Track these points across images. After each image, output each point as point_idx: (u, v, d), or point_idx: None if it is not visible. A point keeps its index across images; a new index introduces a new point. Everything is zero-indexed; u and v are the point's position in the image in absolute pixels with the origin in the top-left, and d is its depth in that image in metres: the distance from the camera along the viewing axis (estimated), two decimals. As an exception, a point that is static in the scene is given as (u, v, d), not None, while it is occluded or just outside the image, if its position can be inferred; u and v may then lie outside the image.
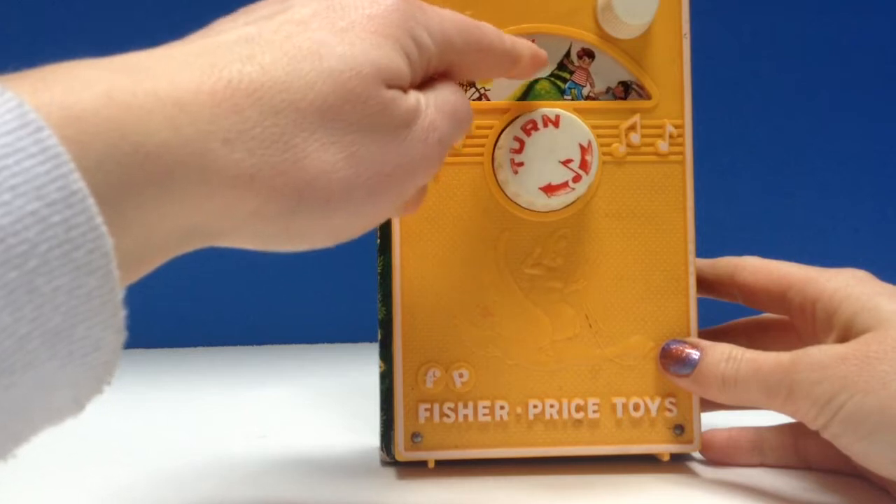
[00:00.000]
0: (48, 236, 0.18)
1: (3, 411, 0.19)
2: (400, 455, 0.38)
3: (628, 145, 0.39)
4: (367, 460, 0.41)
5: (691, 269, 0.39)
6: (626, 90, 0.39)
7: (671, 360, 0.38)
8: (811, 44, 0.72)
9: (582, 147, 0.38)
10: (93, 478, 0.39)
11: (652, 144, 0.39)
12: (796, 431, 0.40)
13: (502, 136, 0.38)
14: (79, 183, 0.19)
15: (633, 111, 0.39)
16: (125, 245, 0.21)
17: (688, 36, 0.40)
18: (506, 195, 0.39)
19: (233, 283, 0.62)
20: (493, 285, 0.39)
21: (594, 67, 0.39)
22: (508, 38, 0.33)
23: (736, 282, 0.41)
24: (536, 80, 0.39)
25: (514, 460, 0.39)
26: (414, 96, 0.29)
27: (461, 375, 0.38)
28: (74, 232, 0.19)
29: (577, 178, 0.38)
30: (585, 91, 0.39)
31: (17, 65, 0.21)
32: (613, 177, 0.39)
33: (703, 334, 0.43)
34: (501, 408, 0.39)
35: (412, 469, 0.39)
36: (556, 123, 0.38)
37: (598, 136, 0.39)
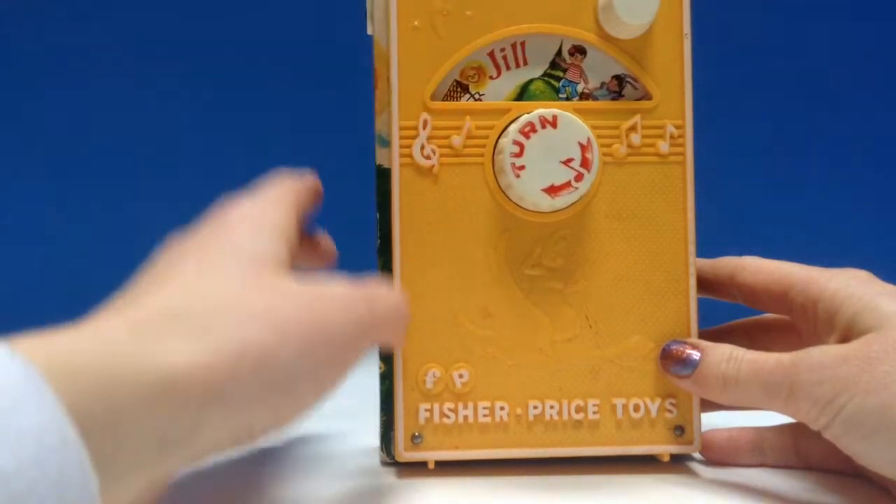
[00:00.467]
0: (44, 477, 0.20)
1: None
2: (400, 456, 0.38)
3: (629, 146, 0.39)
4: (367, 460, 0.41)
5: (692, 270, 0.39)
6: (620, 83, 0.39)
7: (672, 361, 0.38)
8: (814, 43, 0.72)
9: (581, 145, 0.38)
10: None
11: (653, 145, 0.39)
12: (796, 431, 0.39)
13: (501, 140, 0.38)
14: (72, 432, 0.21)
15: (634, 111, 0.39)
16: (108, 477, 0.23)
17: (689, 36, 0.39)
18: (507, 197, 0.38)
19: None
20: (493, 286, 0.39)
21: (587, 63, 0.39)
22: None
23: (736, 282, 0.41)
24: (530, 81, 0.39)
25: (514, 461, 0.39)
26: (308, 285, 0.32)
27: (461, 376, 0.38)
28: (67, 473, 0.21)
29: (579, 177, 0.38)
30: (580, 88, 0.39)
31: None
32: (614, 177, 0.39)
33: (704, 334, 0.43)
34: (501, 408, 0.38)
35: (412, 469, 0.39)
36: (553, 124, 0.38)
37: (599, 136, 0.39)
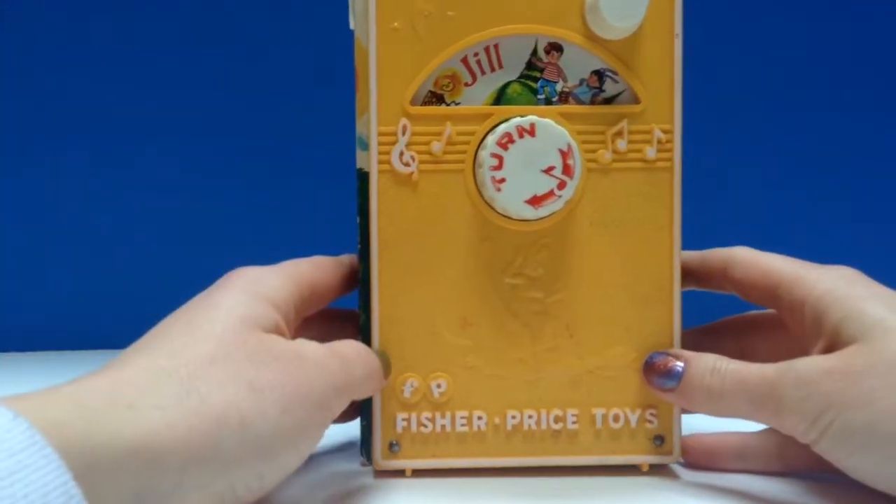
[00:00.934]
0: None
1: None
2: (377, 464, 0.38)
3: (614, 151, 0.38)
4: (348, 462, 0.41)
5: (676, 279, 0.38)
6: (600, 79, 0.38)
7: (656, 374, 0.38)
8: (808, 46, 0.70)
9: (562, 152, 0.37)
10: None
11: (639, 150, 0.38)
12: (780, 437, 0.39)
13: (480, 153, 0.37)
14: (75, 489, 0.23)
15: (621, 116, 0.38)
16: None
17: (680, 36, 0.38)
18: (490, 207, 0.38)
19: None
20: (473, 295, 0.38)
21: (564, 61, 0.38)
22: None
23: (728, 277, 0.40)
24: (507, 84, 0.38)
25: (492, 468, 0.39)
26: (298, 341, 0.34)
27: (439, 386, 0.38)
28: None
29: (562, 185, 0.37)
30: (559, 87, 0.38)
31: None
32: (599, 185, 0.38)
33: (691, 333, 0.42)
34: (479, 418, 0.38)
35: (390, 472, 0.39)
36: (531, 132, 0.37)
37: (584, 141, 0.38)
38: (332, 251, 0.40)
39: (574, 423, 0.38)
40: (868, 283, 0.36)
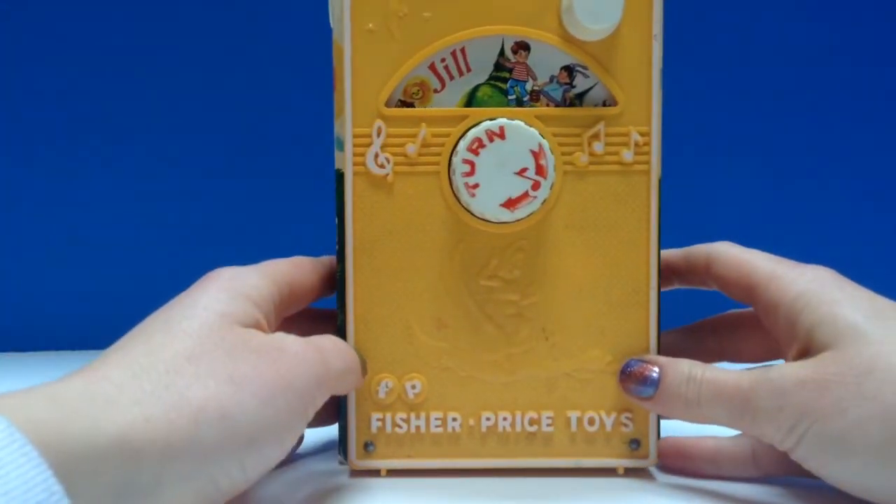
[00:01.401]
0: None
1: None
2: (353, 464, 0.39)
3: (591, 154, 0.38)
4: (326, 461, 0.41)
5: (653, 283, 0.38)
6: (570, 74, 0.38)
7: (633, 381, 0.37)
8: (793, 46, 0.69)
9: (533, 153, 0.37)
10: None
11: (616, 153, 0.38)
12: (755, 442, 0.39)
13: (453, 159, 0.37)
14: (57, 485, 0.23)
15: (598, 118, 0.38)
16: None
17: (659, 37, 0.37)
18: (465, 210, 0.38)
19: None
20: (448, 296, 0.38)
21: (532, 59, 0.37)
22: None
23: (710, 273, 0.40)
24: (476, 88, 0.38)
25: (468, 469, 0.39)
26: (278, 333, 0.34)
27: (413, 387, 0.38)
28: None
29: (536, 186, 0.37)
30: (529, 86, 0.38)
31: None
32: (575, 188, 0.38)
33: (674, 333, 0.42)
34: (454, 419, 0.38)
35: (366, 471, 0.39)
36: (501, 135, 0.36)
37: (560, 143, 0.37)
38: (315, 252, 0.40)
39: (549, 425, 0.38)
40: (843, 284, 0.36)
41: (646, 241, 0.38)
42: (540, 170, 0.37)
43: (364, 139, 0.38)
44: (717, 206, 0.67)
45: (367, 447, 0.38)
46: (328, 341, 0.35)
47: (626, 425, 0.39)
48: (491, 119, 0.37)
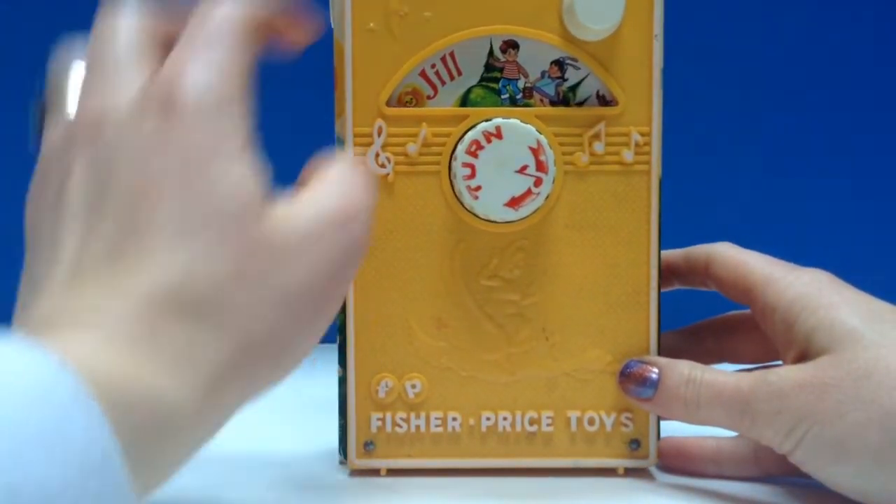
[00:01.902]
0: (86, 497, 0.19)
1: None
2: (352, 463, 0.39)
3: (591, 154, 0.38)
4: (326, 460, 0.41)
5: (653, 283, 0.38)
6: (561, 68, 0.38)
7: (632, 382, 0.37)
8: (793, 46, 0.69)
9: (532, 149, 0.37)
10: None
11: (616, 153, 0.38)
12: (755, 442, 0.39)
13: (453, 163, 0.37)
14: (115, 448, 0.21)
15: (598, 118, 0.38)
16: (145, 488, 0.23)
17: (659, 37, 0.37)
18: (468, 212, 0.38)
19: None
20: (448, 296, 0.38)
21: (522, 57, 0.37)
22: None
23: (709, 274, 0.40)
24: (469, 90, 0.37)
25: (468, 469, 0.39)
26: (302, 205, 0.28)
27: (414, 386, 0.38)
28: (106, 492, 0.20)
29: (538, 182, 0.37)
30: (521, 84, 0.37)
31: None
32: (575, 187, 0.38)
33: (673, 334, 0.42)
34: (454, 419, 0.38)
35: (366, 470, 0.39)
36: (498, 135, 0.36)
37: (561, 143, 0.37)
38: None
39: (549, 425, 0.38)
40: (840, 287, 0.36)
41: (646, 241, 0.38)
42: (540, 166, 0.37)
43: (365, 139, 0.38)
44: (717, 206, 0.67)
45: (367, 446, 0.38)
46: (350, 207, 0.29)
47: (626, 425, 0.39)
48: (486, 120, 0.37)
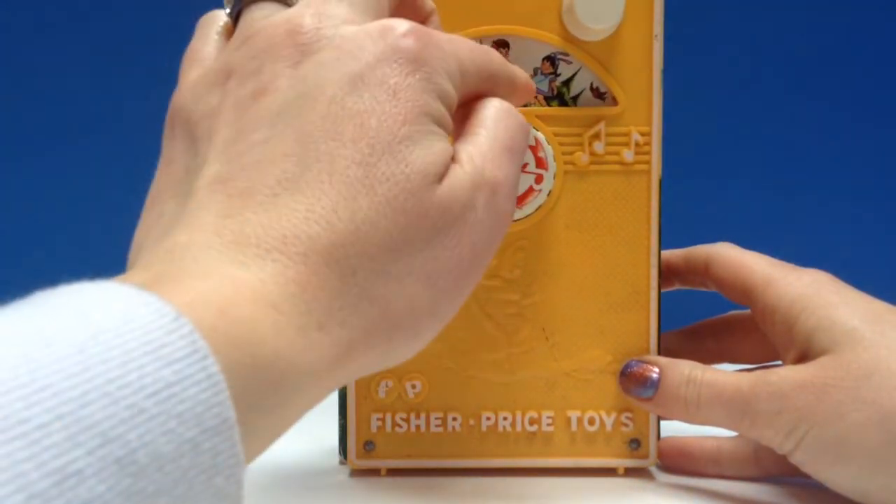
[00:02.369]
0: (198, 462, 0.18)
1: None
2: (352, 463, 0.39)
3: (591, 154, 0.38)
4: (326, 459, 0.41)
5: (654, 283, 0.38)
6: (552, 64, 0.38)
7: (632, 382, 0.37)
8: (793, 46, 0.68)
9: (530, 147, 0.37)
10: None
11: (616, 153, 0.38)
12: (755, 442, 0.39)
13: None
14: (231, 411, 0.19)
15: (598, 118, 0.38)
16: (247, 457, 0.21)
17: (659, 37, 0.37)
18: None
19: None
20: (449, 296, 0.38)
21: (513, 56, 0.37)
22: (507, 63, 0.30)
23: (709, 275, 0.40)
24: None
25: (468, 469, 0.39)
26: (463, 169, 0.26)
27: (414, 386, 0.38)
28: (220, 458, 0.19)
29: (539, 179, 0.37)
30: None
31: None
32: (575, 187, 0.38)
33: (674, 334, 0.42)
34: (454, 419, 0.38)
35: (367, 470, 0.39)
36: None
37: (560, 143, 0.37)
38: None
39: (549, 425, 0.38)
40: (840, 288, 0.36)
41: (646, 241, 0.38)
42: (540, 162, 0.37)
43: (365, 139, 0.37)
44: (717, 206, 0.67)
45: (367, 446, 0.38)
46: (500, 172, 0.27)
47: (626, 425, 0.39)
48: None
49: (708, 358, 0.41)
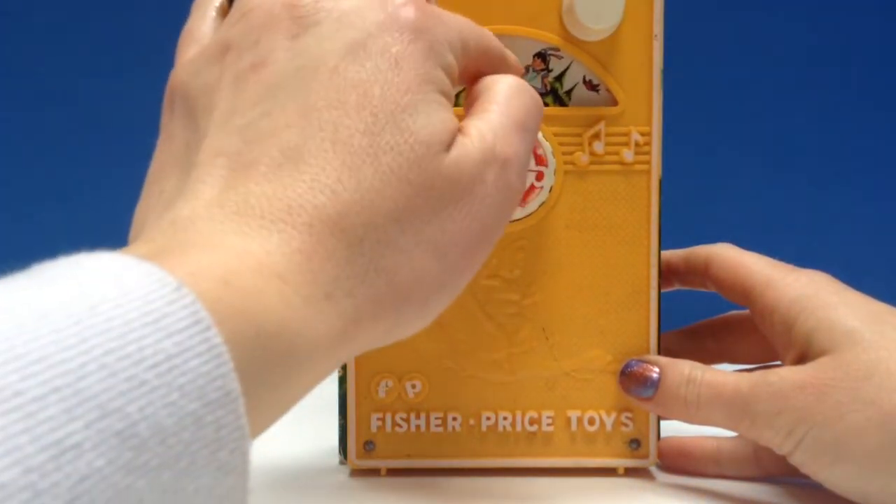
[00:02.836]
0: (201, 436, 0.18)
1: None
2: (352, 463, 0.39)
3: (591, 154, 0.38)
4: (326, 459, 0.41)
5: (654, 283, 0.38)
6: (544, 60, 0.38)
7: (633, 382, 0.37)
8: (793, 46, 0.68)
9: None
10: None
11: (616, 153, 0.38)
12: (755, 443, 0.39)
13: None
14: (235, 383, 0.18)
15: (598, 118, 0.38)
16: (252, 432, 0.20)
17: (659, 37, 0.37)
18: None
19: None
20: (448, 296, 0.38)
21: None
22: (501, 44, 0.30)
23: (709, 275, 0.40)
24: (459, 93, 0.37)
25: (468, 469, 0.39)
26: (472, 143, 0.26)
27: (414, 386, 0.38)
28: (223, 432, 0.18)
29: (539, 176, 0.37)
30: None
31: None
32: (575, 187, 0.38)
33: (674, 334, 0.42)
34: (454, 419, 0.38)
35: (367, 470, 0.39)
36: None
37: (560, 143, 0.38)
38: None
39: (549, 425, 0.38)
40: (839, 288, 0.36)
41: (646, 241, 0.38)
42: (539, 160, 0.37)
43: (365, 139, 0.37)
44: (717, 206, 0.67)
45: (367, 446, 0.38)
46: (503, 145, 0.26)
47: (626, 425, 0.39)
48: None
49: (708, 358, 0.41)
